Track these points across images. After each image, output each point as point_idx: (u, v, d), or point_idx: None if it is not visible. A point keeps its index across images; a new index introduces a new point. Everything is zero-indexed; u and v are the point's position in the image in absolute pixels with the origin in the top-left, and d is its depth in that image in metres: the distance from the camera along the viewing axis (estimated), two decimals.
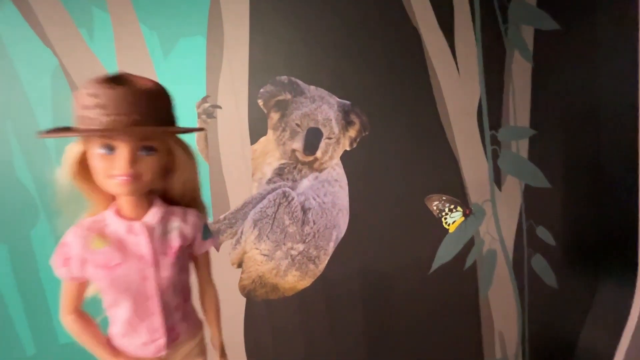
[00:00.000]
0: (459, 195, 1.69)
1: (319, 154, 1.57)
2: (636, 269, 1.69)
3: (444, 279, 1.71)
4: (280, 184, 1.57)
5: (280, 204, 1.57)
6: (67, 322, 0.77)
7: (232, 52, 1.47)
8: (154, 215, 0.73)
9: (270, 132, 1.55)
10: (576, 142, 1.73)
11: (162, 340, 0.77)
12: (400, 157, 1.64)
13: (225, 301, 1.55)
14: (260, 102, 1.53)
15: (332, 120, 1.57)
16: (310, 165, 1.58)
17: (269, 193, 1.57)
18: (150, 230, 0.72)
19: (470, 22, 1.63)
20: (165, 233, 0.74)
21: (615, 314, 1.75)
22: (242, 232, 1.57)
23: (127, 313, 0.73)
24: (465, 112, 1.66)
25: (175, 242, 0.74)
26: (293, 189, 1.58)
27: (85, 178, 0.68)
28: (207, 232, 0.81)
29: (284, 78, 1.53)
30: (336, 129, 1.58)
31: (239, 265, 1.61)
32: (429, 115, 1.64)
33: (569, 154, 1.73)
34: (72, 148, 0.66)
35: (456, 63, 1.64)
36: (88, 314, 0.81)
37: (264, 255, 1.60)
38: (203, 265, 0.86)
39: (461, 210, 1.69)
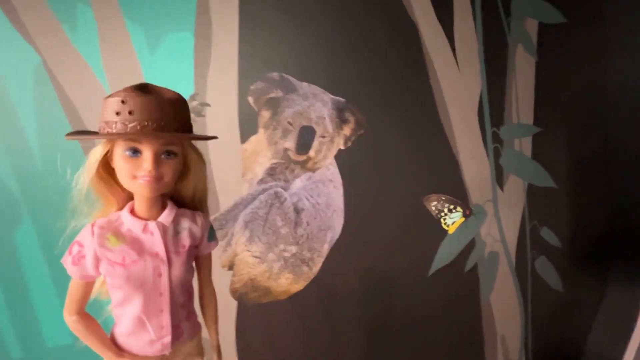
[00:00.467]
0: (459, 196, 1.66)
1: (312, 153, 1.55)
2: None
3: (443, 282, 1.68)
4: (272, 184, 1.55)
5: (272, 204, 1.55)
6: (71, 322, 0.80)
7: (221, 48, 1.45)
8: (167, 215, 0.78)
9: (261, 130, 1.53)
10: (583, 140, 1.70)
11: (168, 338, 0.81)
12: (398, 156, 1.61)
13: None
14: (250, 99, 1.51)
15: (325, 118, 1.54)
16: (303, 165, 1.56)
17: (260, 194, 1.55)
18: (164, 229, 0.78)
19: (471, 15, 1.59)
20: (177, 233, 0.80)
21: (624, 319, 1.71)
22: (232, 234, 1.55)
23: (138, 310, 0.77)
24: (466, 109, 1.63)
25: (186, 241, 0.80)
26: (285, 189, 1.56)
27: (104, 179, 0.75)
28: (212, 234, 0.88)
29: (276, 75, 1.50)
30: (330, 127, 1.55)
31: (230, 268, 1.58)
32: (428, 112, 1.61)
33: (575, 152, 1.70)
34: (98, 150, 0.73)
35: (456, 58, 1.61)
36: (90, 315, 0.83)
37: (256, 257, 1.58)
38: (205, 266, 0.91)
39: (461, 210, 1.66)
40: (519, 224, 1.70)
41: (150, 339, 0.80)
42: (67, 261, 0.77)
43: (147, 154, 0.69)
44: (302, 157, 1.54)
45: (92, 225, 0.76)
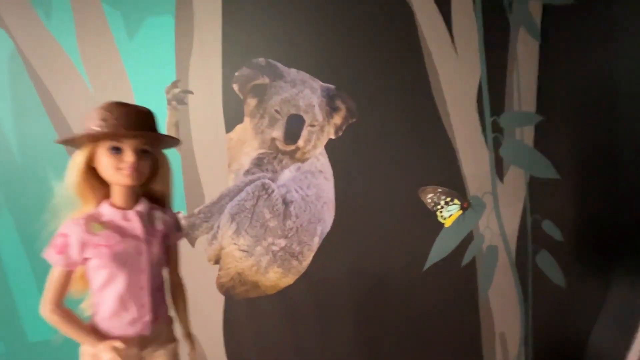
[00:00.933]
0: (456, 187, 1.62)
1: (301, 142, 1.52)
2: None
3: (439, 277, 1.65)
4: (259, 175, 1.52)
5: (259, 196, 1.52)
6: (49, 314, 0.86)
7: (204, 32, 1.41)
8: (143, 205, 0.92)
9: (247, 119, 1.50)
10: (588, 129, 1.64)
11: (148, 317, 0.90)
12: (391, 145, 1.58)
13: (203, 299, 1.53)
14: (235, 86, 1.48)
15: (315, 106, 1.51)
16: (291, 155, 1.53)
17: (247, 185, 1.52)
18: (141, 216, 0.91)
19: None
20: (151, 220, 0.93)
21: (628, 316, 1.67)
22: (218, 227, 1.52)
23: (121, 287, 0.87)
24: (464, 96, 1.59)
25: (160, 226, 0.94)
26: (273, 180, 1.53)
27: (86, 177, 0.87)
28: (179, 226, 1.02)
29: (262, 60, 1.47)
30: (320, 116, 1.52)
31: (216, 262, 1.56)
32: (423, 99, 1.57)
33: (579, 141, 1.65)
34: (82, 152, 0.86)
35: (453, 41, 1.56)
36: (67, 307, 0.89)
37: (243, 251, 1.56)
38: (174, 255, 1.03)
39: (458, 203, 1.62)
40: (520, 217, 1.66)
41: (132, 318, 0.89)
42: (50, 253, 0.85)
43: (127, 149, 0.84)
44: (291, 147, 1.52)
45: (74, 219, 0.86)
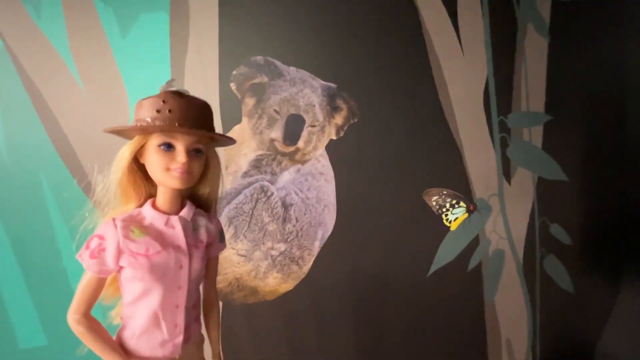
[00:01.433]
0: (462, 190, 1.59)
1: (301, 143, 1.49)
2: None
3: (444, 282, 1.62)
4: (258, 177, 1.49)
5: (258, 199, 1.49)
6: (75, 324, 0.81)
7: (200, 29, 1.38)
8: (188, 210, 0.84)
9: (245, 119, 1.47)
10: (597, 130, 1.61)
11: (180, 338, 0.83)
12: (395, 146, 1.55)
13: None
14: (233, 85, 1.45)
15: (315, 105, 1.48)
16: (291, 157, 1.50)
17: (245, 188, 1.49)
18: (185, 223, 0.84)
19: None
20: (195, 229, 0.86)
21: (638, 322, 1.64)
22: None
23: (156, 303, 0.80)
24: (470, 95, 1.56)
25: (203, 237, 0.86)
26: (272, 183, 1.50)
27: (132, 174, 0.82)
28: (222, 236, 0.96)
29: (260, 58, 1.45)
30: (320, 116, 1.49)
31: None
32: (428, 99, 1.54)
33: (589, 142, 1.62)
34: (131, 144, 0.79)
35: (459, 39, 1.53)
36: (94, 317, 0.84)
37: (241, 255, 1.52)
38: (213, 269, 0.96)
39: (464, 206, 1.59)
40: (527, 220, 1.63)
41: (163, 339, 0.82)
42: (84, 255, 0.79)
43: (181, 148, 0.77)
44: (290, 148, 1.49)
45: (114, 220, 0.79)
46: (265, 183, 1.49)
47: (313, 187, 1.51)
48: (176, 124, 0.75)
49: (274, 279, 1.55)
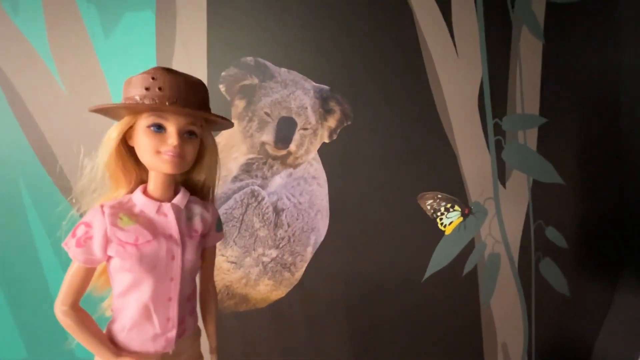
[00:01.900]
0: (457, 193, 1.58)
1: (292, 147, 1.47)
2: None
3: (439, 287, 1.60)
4: (249, 182, 1.47)
5: (248, 204, 1.46)
6: (62, 316, 0.76)
7: (187, 29, 1.35)
8: (182, 198, 0.80)
9: (235, 122, 1.44)
10: (593, 132, 1.61)
11: (173, 332, 0.79)
12: (388, 150, 1.53)
13: None
14: (222, 87, 1.43)
15: (307, 108, 1.46)
16: (283, 161, 1.48)
17: (235, 192, 1.46)
18: (178, 211, 0.79)
19: None
20: (189, 217, 0.81)
21: (634, 325, 1.63)
22: None
23: (146, 296, 0.76)
24: (465, 98, 1.55)
25: (198, 226, 0.81)
26: (263, 187, 1.47)
27: (121, 157, 0.76)
28: (220, 225, 0.90)
29: (250, 59, 1.42)
30: (313, 119, 1.47)
31: None
32: (422, 101, 1.53)
33: (584, 145, 1.61)
34: (119, 125, 0.74)
35: (454, 41, 1.52)
36: (84, 309, 0.79)
37: (232, 262, 1.49)
38: (210, 259, 0.92)
39: (459, 209, 1.58)
40: (523, 224, 1.63)
41: (155, 333, 0.78)
42: (70, 243, 0.74)
43: (172, 130, 0.72)
44: (282, 152, 1.47)
45: (102, 206, 0.75)
46: (256, 188, 1.46)
47: (305, 192, 1.48)
48: (167, 103, 0.69)
49: (266, 286, 1.52)
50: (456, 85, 1.52)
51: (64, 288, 0.76)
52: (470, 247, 1.60)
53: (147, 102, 0.69)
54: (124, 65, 1.29)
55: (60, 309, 0.75)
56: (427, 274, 1.59)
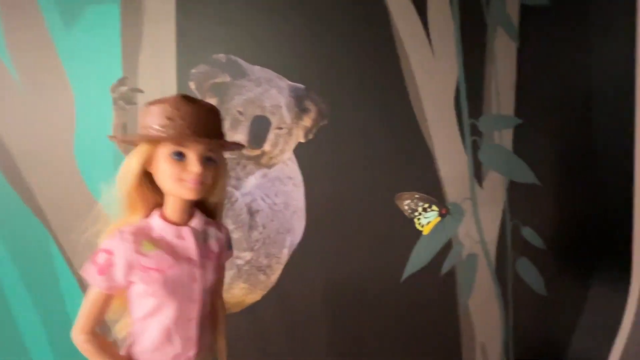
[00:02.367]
0: (434, 193, 1.58)
1: (267, 147, 1.45)
2: (630, 273, 1.61)
3: (418, 287, 1.60)
4: None
5: None
6: (83, 343, 0.78)
7: (155, 23, 1.31)
8: (199, 221, 0.82)
9: None
10: (567, 133, 1.63)
11: (193, 351, 0.82)
12: (365, 149, 1.52)
13: None
14: (192, 85, 1.40)
15: (282, 107, 1.44)
16: (257, 161, 1.46)
17: None
18: (196, 234, 0.81)
19: None
20: (205, 239, 0.84)
21: (608, 322, 1.66)
22: None
23: (169, 318, 0.78)
24: (441, 98, 1.55)
25: (214, 247, 0.85)
26: (237, 188, 1.45)
27: (140, 184, 0.78)
28: (230, 243, 0.94)
29: (222, 56, 1.40)
30: (288, 118, 1.45)
31: None
32: (399, 101, 1.53)
33: (559, 146, 1.64)
34: (140, 153, 0.76)
35: (429, 40, 1.53)
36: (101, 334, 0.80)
37: None
38: (221, 276, 0.94)
39: (436, 209, 1.58)
40: (499, 224, 1.64)
41: (175, 354, 0.81)
42: (91, 271, 0.76)
43: (193, 157, 0.75)
44: (256, 152, 1.44)
45: (121, 233, 0.76)
46: (229, 188, 1.43)
47: (281, 192, 1.46)
48: (189, 133, 0.73)
49: (240, 290, 1.49)
50: (432, 85, 1.52)
51: (84, 315, 0.77)
52: (448, 247, 1.61)
53: (170, 132, 0.72)
54: (87, 59, 1.24)
55: (79, 337, 0.77)
56: (406, 274, 1.58)
